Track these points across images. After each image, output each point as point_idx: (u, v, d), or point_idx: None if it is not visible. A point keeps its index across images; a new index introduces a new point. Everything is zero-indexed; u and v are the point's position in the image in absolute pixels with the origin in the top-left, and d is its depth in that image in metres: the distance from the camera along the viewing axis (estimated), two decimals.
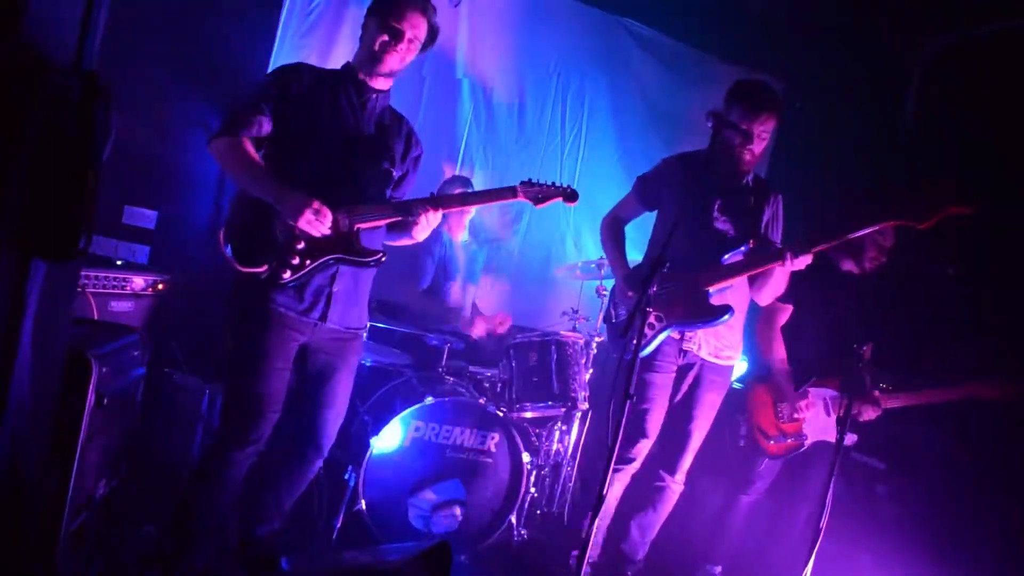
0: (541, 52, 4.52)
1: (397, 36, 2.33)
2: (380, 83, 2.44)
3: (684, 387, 2.92)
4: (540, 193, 2.52)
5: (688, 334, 2.87)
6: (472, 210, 4.03)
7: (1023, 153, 3.75)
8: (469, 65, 4.32)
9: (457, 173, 4.26)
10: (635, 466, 2.92)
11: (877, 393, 3.12)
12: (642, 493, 2.94)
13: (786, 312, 3.32)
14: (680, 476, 2.93)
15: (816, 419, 3.22)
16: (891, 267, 3.31)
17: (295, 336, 2.32)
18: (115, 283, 3.11)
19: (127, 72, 3.39)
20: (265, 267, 2.22)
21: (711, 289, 2.76)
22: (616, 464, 2.83)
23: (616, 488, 2.92)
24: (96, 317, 2.98)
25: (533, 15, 4.46)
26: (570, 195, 2.57)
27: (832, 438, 3.21)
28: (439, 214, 2.40)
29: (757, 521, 3.33)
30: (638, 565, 2.95)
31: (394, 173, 2.49)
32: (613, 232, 3.14)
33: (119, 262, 3.27)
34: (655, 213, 3.09)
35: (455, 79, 4.31)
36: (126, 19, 2.99)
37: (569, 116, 4.65)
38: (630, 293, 2.85)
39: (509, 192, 2.52)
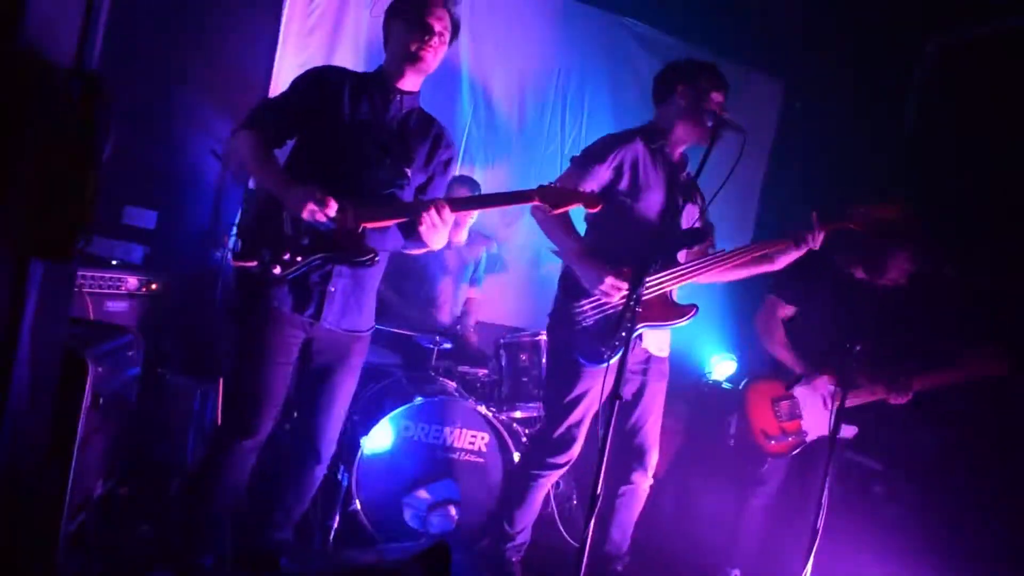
0: (542, 52, 4.51)
1: (428, 31, 2.30)
2: (409, 83, 2.42)
3: (635, 386, 2.83)
4: (560, 198, 2.30)
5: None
6: (475, 214, 3.98)
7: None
8: (470, 64, 4.31)
9: (458, 173, 4.22)
10: (565, 470, 2.87)
11: (902, 379, 3.12)
12: (617, 498, 2.88)
13: (788, 309, 3.33)
14: (651, 472, 2.88)
15: (816, 415, 3.22)
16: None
17: (295, 333, 2.31)
18: (111, 283, 3.11)
19: (129, 73, 3.41)
20: (256, 262, 2.22)
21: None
22: (543, 471, 2.82)
23: (541, 491, 2.88)
24: (92, 317, 2.98)
25: (535, 15, 4.46)
26: (592, 201, 2.33)
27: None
28: (447, 215, 2.24)
29: (773, 524, 3.32)
30: (625, 558, 2.96)
31: (411, 176, 2.41)
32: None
33: (114, 262, 3.26)
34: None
35: (456, 78, 4.30)
36: (127, 20, 2.98)
37: (570, 116, 4.63)
38: (609, 280, 2.56)
39: (526, 196, 2.33)
